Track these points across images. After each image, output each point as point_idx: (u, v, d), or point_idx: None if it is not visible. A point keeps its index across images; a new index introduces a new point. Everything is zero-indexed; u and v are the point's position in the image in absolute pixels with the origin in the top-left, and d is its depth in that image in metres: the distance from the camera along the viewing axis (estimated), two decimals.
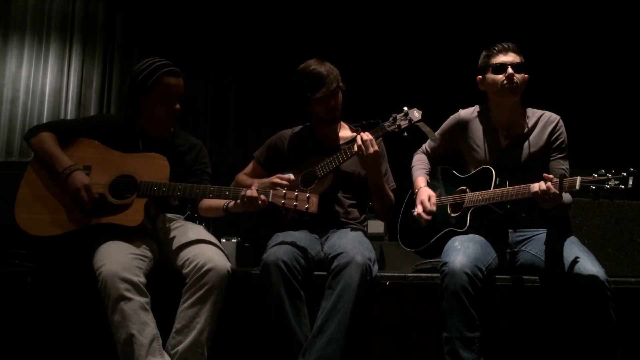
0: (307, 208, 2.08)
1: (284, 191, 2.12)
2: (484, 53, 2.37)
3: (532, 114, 2.37)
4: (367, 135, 2.26)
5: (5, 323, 2.30)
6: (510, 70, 2.27)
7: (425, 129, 2.31)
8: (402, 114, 2.27)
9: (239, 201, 2.18)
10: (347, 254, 2.08)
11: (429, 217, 2.32)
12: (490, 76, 2.32)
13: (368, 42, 5.33)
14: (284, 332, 2.05)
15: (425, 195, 2.36)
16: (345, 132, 2.57)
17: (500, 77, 2.28)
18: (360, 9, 5.37)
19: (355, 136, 2.51)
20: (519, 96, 2.32)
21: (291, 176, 2.37)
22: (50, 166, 2.25)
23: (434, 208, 2.32)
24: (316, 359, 1.97)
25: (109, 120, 2.50)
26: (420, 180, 2.49)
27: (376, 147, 2.26)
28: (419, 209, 2.34)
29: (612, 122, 4.78)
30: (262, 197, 2.12)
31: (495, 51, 2.32)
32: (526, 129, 2.34)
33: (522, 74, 2.29)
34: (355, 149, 2.27)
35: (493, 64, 2.31)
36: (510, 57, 2.29)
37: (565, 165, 2.29)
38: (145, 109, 2.39)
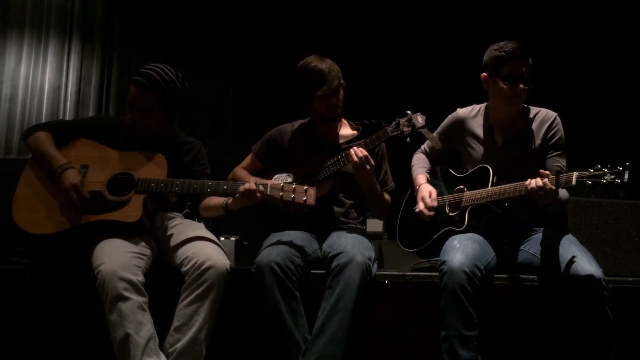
0: (305, 200, 2.07)
1: (281, 184, 2.11)
2: (493, 52, 2.26)
3: (530, 111, 2.37)
4: (361, 152, 2.22)
5: (3, 321, 2.30)
6: (522, 85, 2.21)
7: (429, 135, 2.30)
8: (405, 119, 2.23)
9: (237, 196, 2.17)
10: (347, 254, 2.07)
11: (431, 213, 2.31)
12: (499, 83, 2.25)
13: (368, 38, 5.31)
14: (281, 334, 2.04)
15: (426, 192, 2.36)
16: (346, 130, 2.54)
17: (511, 88, 2.22)
18: (360, 5, 5.36)
19: (356, 135, 2.51)
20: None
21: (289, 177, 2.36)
22: (45, 165, 2.26)
23: (434, 204, 2.32)
24: (317, 359, 1.97)
25: (105, 121, 2.52)
26: (421, 178, 2.49)
27: (371, 163, 2.24)
28: (420, 206, 2.34)
29: (611, 121, 4.78)
30: (261, 188, 2.12)
31: (505, 56, 2.21)
32: (523, 127, 2.34)
33: (530, 84, 2.24)
34: (352, 161, 2.23)
35: (505, 73, 2.22)
36: (523, 68, 2.21)
37: (562, 162, 2.28)
38: None
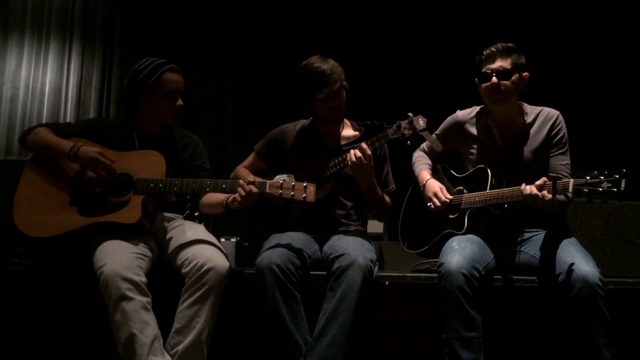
0: (304, 197, 2.06)
1: (280, 182, 2.10)
2: (477, 57, 2.34)
3: (531, 110, 2.36)
4: (360, 153, 2.20)
5: (3, 321, 2.30)
6: (494, 79, 2.24)
7: (430, 138, 2.30)
8: (407, 121, 2.21)
9: (237, 196, 2.16)
10: (349, 256, 2.07)
11: (446, 208, 2.30)
12: (479, 84, 2.32)
13: (370, 37, 5.29)
14: (281, 335, 2.04)
15: (437, 187, 2.34)
16: (348, 131, 2.53)
17: (487, 85, 2.27)
18: (362, 4, 5.35)
19: (358, 136, 2.49)
20: (510, 101, 2.30)
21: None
22: (55, 152, 2.26)
23: (449, 196, 2.30)
24: None
25: (103, 122, 2.54)
26: (425, 174, 2.46)
27: (370, 164, 2.22)
28: (435, 203, 2.30)
29: (611, 120, 4.78)
30: (257, 188, 2.11)
31: (483, 58, 2.29)
32: (524, 127, 2.34)
33: (512, 78, 2.25)
34: (349, 163, 2.22)
35: (480, 72, 2.29)
36: (496, 64, 2.25)
37: (565, 160, 2.27)
38: (146, 107, 2.40)
